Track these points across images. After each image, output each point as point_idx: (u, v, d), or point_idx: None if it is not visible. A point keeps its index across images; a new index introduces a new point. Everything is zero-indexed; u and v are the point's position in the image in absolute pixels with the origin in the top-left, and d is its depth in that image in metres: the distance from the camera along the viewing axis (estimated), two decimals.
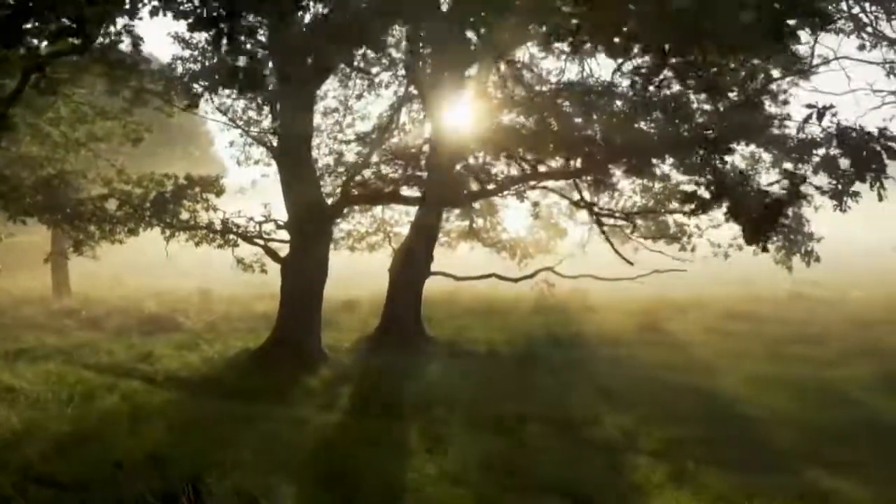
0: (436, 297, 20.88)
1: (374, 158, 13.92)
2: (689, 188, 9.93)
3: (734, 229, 16.45)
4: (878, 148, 8.01)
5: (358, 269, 21.72)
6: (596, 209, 14.46)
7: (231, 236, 13.45)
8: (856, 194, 8.92)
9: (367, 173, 12.78)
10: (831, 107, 6.97)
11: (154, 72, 14.03)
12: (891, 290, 21.50)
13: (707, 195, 8.69)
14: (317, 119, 19.37)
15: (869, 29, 14.03)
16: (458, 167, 12.51)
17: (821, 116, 7.03)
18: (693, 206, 8.87)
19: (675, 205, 17.27)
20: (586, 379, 11.53)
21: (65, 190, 13.27)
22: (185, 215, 13.53)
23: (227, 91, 13.62)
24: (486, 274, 16.09)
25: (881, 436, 8.44)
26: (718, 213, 16.66)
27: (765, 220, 6.61)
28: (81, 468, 6.95)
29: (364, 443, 8.03)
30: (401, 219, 19.13)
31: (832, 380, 11.21)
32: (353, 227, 20.16)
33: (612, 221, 15.27)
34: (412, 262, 14.91)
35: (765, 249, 6.83)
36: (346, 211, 19.61)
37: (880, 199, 8.02)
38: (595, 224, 14.07)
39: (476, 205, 17.32)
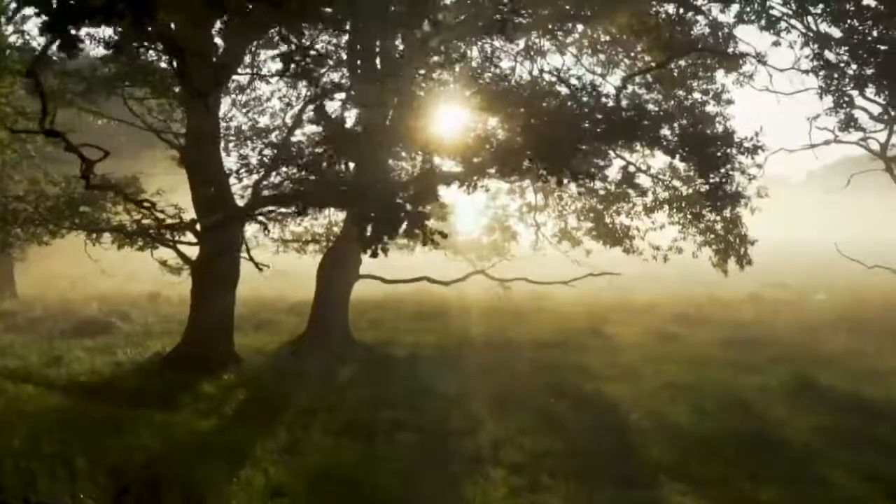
0: (388, 301, 20.65)
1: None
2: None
3: (674, 232, 16.09)
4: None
5: None
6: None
7: (148, 238, 13.24)
8: (739, 197, 8.43)
9: (274, 175, 12.49)
10: None
11: (74, 72, 13.90)
12: (859, 294, 20.87)
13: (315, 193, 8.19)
14: (265, 120, 19.23)
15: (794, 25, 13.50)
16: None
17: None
18: (294, 208, 8.41)
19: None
20: (490, 384, 11.15)
21: None
22: (101, 216, 13.37)
23: (140, 91, 13.49)
24: (417, 277, 15.78)
25: (759, 450, 7.99)
26: (661, 216, 16.34)
27: (382, 223, 6.15)
28: None
29: (212, 451, 7.73)
30: None
31: (743, 387, 10.74)
32: (304, 230, 19.98)
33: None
34: (339, 264, 14.65)
35: (374, 255, 6.36)
36: (295, 213, 19.44)
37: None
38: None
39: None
